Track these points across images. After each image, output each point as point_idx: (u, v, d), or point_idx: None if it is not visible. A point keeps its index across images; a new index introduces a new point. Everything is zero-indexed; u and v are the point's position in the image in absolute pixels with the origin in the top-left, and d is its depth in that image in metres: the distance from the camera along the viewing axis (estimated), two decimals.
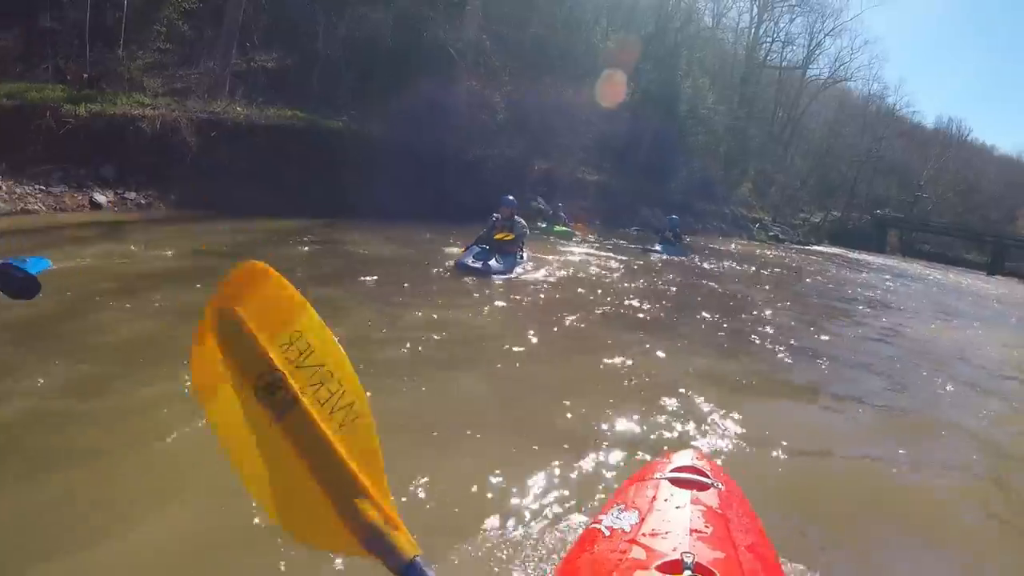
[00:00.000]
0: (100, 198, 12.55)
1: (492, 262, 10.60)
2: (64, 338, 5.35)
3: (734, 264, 20.67)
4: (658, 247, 18.78)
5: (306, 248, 11.45)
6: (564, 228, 19.30)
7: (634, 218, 25.19)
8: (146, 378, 4.73)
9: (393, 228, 14.55)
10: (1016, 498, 4.90)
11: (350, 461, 1.21)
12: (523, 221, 11.48)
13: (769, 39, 53.15)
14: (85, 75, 14.57)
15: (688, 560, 1.75)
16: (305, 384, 1.25)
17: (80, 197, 12.35)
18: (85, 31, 14.49)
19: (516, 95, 23.49)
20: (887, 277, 28.17)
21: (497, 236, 11.03)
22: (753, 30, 51.27)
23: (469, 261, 10.48)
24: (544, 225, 18.93)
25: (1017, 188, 77.86)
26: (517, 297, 9.63)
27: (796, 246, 42.63)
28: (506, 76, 23.12)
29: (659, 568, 1.76)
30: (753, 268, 20.50)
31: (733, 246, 31.08)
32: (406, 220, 15.84)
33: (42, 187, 12.05)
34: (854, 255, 44.19)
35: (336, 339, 1.31)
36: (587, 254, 16.08)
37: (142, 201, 13.35)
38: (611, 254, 16.79)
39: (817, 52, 56.23)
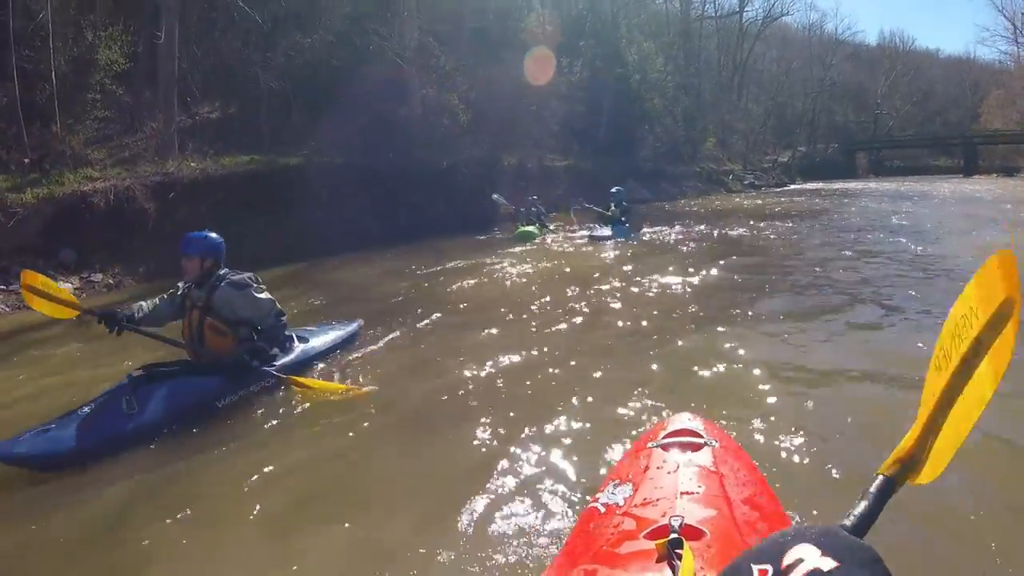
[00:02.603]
0: (64, 286, 11.75)
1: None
2: None
3: (712, 227, 18.58)
4: (606, 230, 16.00)
5: (302, 300, 10.53)
6: (525, 229, 16.94)
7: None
8: None
9: (379, 257, 14.13)
10: None
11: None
12: (245, 282, 5.39)
13: None
14: (26, 160, 13.83)
15: (675, 523, 1.75)
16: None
17: None
18: (19, 114, 13.72)
19: (471, 93, 22.89)
20: (884, 200, 27.89)
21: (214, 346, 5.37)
22: None
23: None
24: (528, 228, 17.07)
25: (972, 86, 78.29)
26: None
27: (774, 189, 42.58)
28: (459, 76, 22.46)
29: (647, 535, 1.78)
30: (739, 229, 18.69)
31: (716, 202, 31.00)
32: (387, 246, 15.37)
33: (1, 286, 11.29)
34: (835, 185, 44.23)
35: None
36: (518, 258, 13.61)
37: (110, 281, 12.59)
38: (553, 251, 14.91)
39: None
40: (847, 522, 1.15)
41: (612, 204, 16.64)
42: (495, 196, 18.72)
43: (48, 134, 14.38)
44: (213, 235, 5.63)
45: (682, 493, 1.97)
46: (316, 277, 12.73)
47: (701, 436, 2.34)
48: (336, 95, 18.80)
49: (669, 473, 2.13)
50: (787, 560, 0.94)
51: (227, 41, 19.52)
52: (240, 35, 19.64)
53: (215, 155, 16.36)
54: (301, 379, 5.53)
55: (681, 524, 1.74)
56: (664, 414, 4.56)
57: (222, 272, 5.44)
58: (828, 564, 0.91)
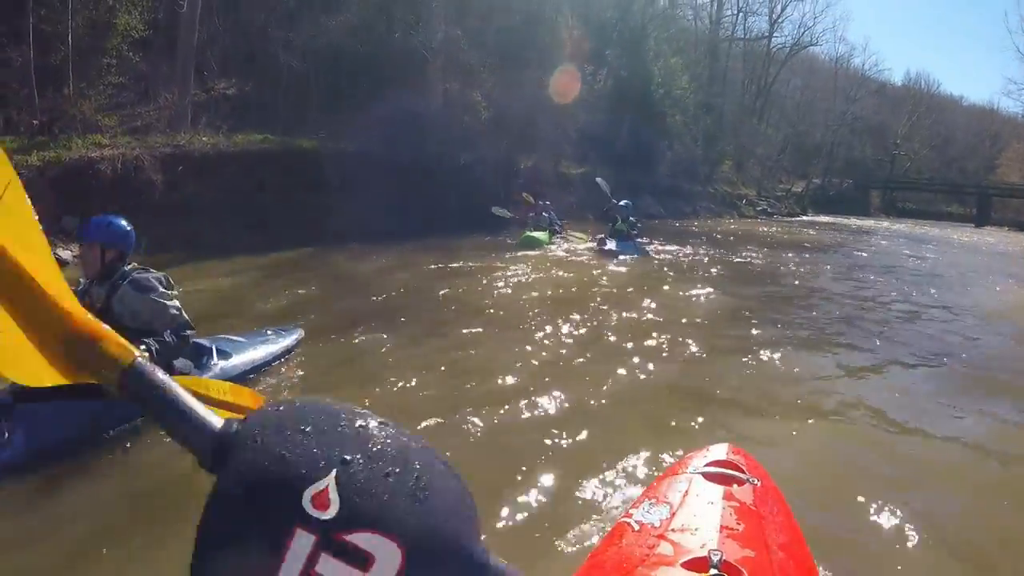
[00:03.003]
0: (64, 253, 11.45)
1: None
2: None
3: (730, 253, 18.25)
4: (612, 244, 14.97)
5: (303, 290, 10.00)
6: (531, 235, 15.79)
7: (633, 208, 22.04)
8: None
9: (384, 251, 13.69)
10: None
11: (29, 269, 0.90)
12: (150, 284, 4.46)
13: (731, 11, 52.42)
14: (36, 122, 13.50)
15: (715, 558, 1.70)
16: None
17: None
18: (31, 76, 13.38)
19: (494, 92, 22.57)
20: (903, 243, 27.55)
21: None
22: (715, 4, 50.50)
23: None
24: (535, 235, 15.96)
25: (992, 137, 78.26)
26: None
27: (787, 219, 42.30)
28: (484, 73, 22.13)
29: (685, 565, 1.73)
30: (758, 257, 18.57)
31: (731, 226, 30.94)
32: (395, 240, 14.94)
33: None
34: (848, 221, 44.08)
35: None
36: (531, 265, 13.03)
37: None
38: (559, 262, 14.07)
39: (781, 20, 55.47)
40: None
41: (619, 218, 15.70)
42: (494, 209, 17.72)
43: (60, 97, 14.07)
44: (120, 221, 4.57)
45: (722, 527, 1.92)
46: (318, 266, 12.36)
47: (743, 471, 2.29)
48: (357, 81, 18.49)
49: (710, 504, 2.07)
50: None
51: (250, 17, 19.18)
52: (264, 12, 19.30)
53: (228, 131, 16.04)
54: (181, 379, 4.26)
55: (721, 560, 1.69)
56: (664, 440, 4.65)
57: (127, 268, 4.47)
58: None
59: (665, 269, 13.99)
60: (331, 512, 0.60)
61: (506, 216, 17.69)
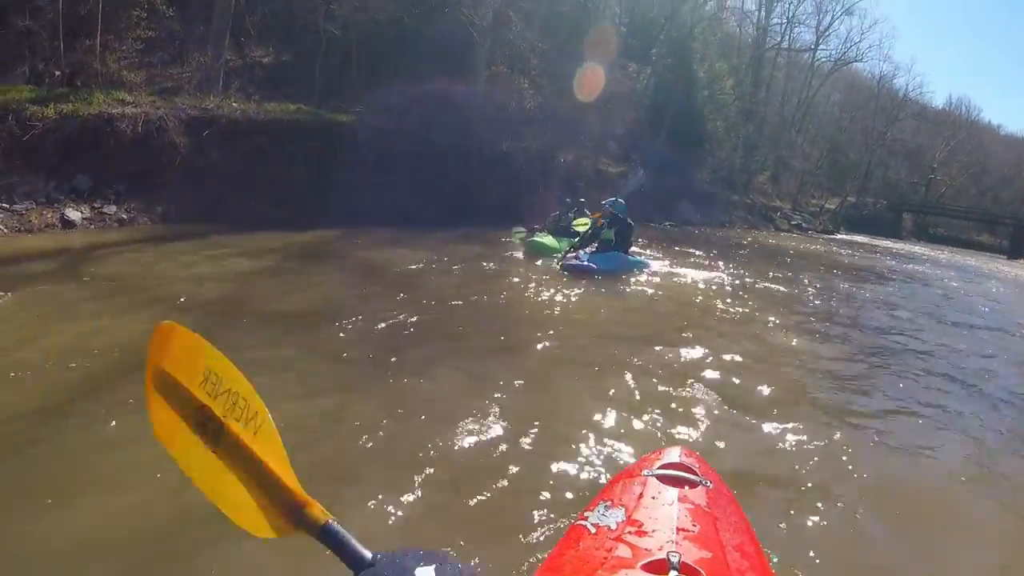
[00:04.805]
0: (73, 215, 10.62)
1: None
2: None
3: (780, 273, 16.32)
4: (584, 256, 11.26)
5: (326, 285, 8.86)
6: (536, 241, 12.87)
7: (670, 213, 20.66)
8: None
9: (416, 240, 12.68)
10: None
11: (266, 459, 1.43)
12: None
13: (779, 20, 51.44)
14: (58, 73, 12.71)
15: (674, 559, 1.69)
16: (225, 408, 1.48)
17: (49, 214, 10.41)
18: (59, 26, 12.60)
19: (542, 80, 21.74)
20: (951, 273, 25.75)
21: None
22: (763, 12, 49.53)
23: None
24: (543, 240, 12.90)
25: None
26: None
27: (822, 235, 41.38)
28: (533, 59, 21.26)
29: (644, 567, 1.70)
30: (810, 279, 16.55)
31: (769, 240, 29.60)
32: (427, 226, 14.08)
33: (3, 204, 10.09)
34: (884, 243, 43.26)
35: (233, 363, 1.46)
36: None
37: (123, 216, 11.43)
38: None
39: (827, 33, 54.48)
40: None
41: (603, 221, 11.85)
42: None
43: (84, 48, 13.27)
44: None
45: (678, 529, 1.88)
46: (345, 254, 11.33)
47: (696, 474, 2.27)
48: (399, 56, 17.66)
49: (665, 506, 2.05)
50: None
51: None
52: None
53: (260, 99, 15.22)
54: None
55: (679, 561, 1.66)
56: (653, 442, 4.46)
57: None
58: None
59: (693, 291, 11.20)
60: None
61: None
